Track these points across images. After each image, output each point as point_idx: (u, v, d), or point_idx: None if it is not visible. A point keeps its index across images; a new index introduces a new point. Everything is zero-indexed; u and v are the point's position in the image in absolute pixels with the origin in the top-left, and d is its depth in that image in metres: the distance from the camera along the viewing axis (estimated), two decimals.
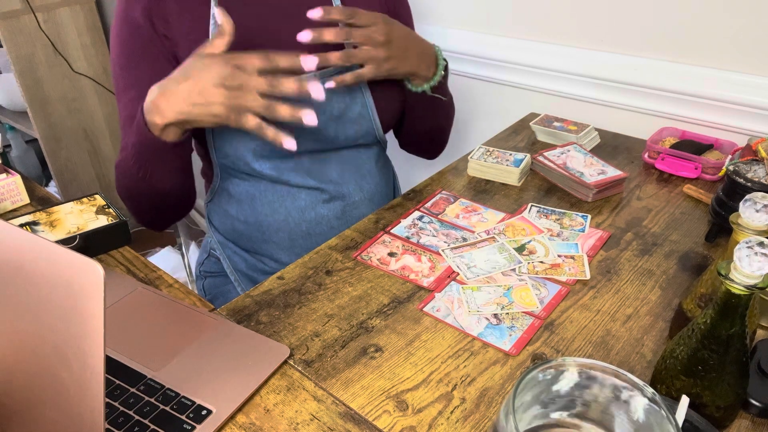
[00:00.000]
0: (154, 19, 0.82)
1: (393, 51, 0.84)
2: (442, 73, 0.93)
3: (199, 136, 0.90)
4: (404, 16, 1.01)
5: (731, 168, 0.79)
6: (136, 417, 0.57)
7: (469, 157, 1.02)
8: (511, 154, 1.01)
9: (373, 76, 0.84)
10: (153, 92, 0.74)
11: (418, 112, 1.00)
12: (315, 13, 0.77)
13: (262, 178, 0.91)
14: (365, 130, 0.93)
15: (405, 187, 1.16)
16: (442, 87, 0.95)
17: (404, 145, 1.12)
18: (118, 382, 0.61)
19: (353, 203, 0.96)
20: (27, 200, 0.95)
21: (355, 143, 0.94)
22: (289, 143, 0.73)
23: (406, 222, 0.89)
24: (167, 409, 0.57)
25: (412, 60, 0.88)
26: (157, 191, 0.84)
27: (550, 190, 0.97)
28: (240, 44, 0.82)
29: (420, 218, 0.89)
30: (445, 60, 0.94)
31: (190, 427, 0.55)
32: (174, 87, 0.72)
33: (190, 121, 0.74)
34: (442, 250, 0.81)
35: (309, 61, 0.72)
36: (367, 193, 0.97)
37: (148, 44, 0.83)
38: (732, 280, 0.48)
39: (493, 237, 0.84)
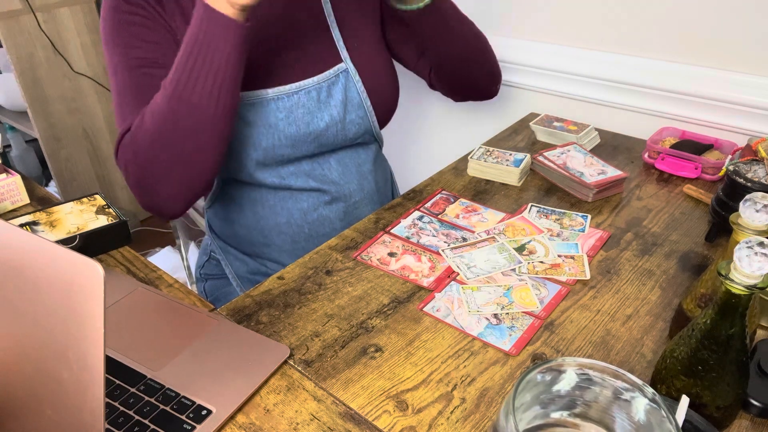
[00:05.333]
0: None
1: None
2: None
3: None
4: None
5: (731, 168, 0.79)
6: (136, 417, 0.57)
7: (469, 157, 1.02)
8: (511, 154, 1.01)
9: None
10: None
11: (434, 38, 0.90)
12: None
13: (264, 185, 0.91)
14: (364, 129, 0.94)
15: (405, 187, 1.16)
16: (441, 7, 0.87)
17: (448, 84, 1.00)
18: (118, 382, 0.61)
19: (354, 203, 0.96)
20: (27, 200, 0.95)
21: (354, 143, 0.95)
22: None
23: (406, 222, 0.88)
24: (167, 409, 0.57)
25: None
26: (194, 124, 0.72)
27: (550, 190, 0.97)
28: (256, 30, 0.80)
29: (420, 218, 0.89)
30: None
31: (190, 427, 0.55)
32: None
33: None
34: (442, 250, 0.81)
35: None
36: (367, 192, 0.98)
37: (148, 19, 0.79)
38: (732, 280, 0.48)
39: (493, 237, 0.84)
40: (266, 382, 0.62)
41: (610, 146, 1.11)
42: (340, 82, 0.89)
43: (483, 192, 0.97)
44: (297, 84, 0.86)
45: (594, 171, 0.96)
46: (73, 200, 0.88)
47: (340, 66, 0.90)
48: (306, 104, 0.87)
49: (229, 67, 0.72)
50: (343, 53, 0.90)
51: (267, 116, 0.84)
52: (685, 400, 0.49)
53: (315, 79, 0.87)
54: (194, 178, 0.77)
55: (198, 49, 0.70)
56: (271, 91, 0.85)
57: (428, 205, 0.93)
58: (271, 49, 0.86)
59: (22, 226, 0.82)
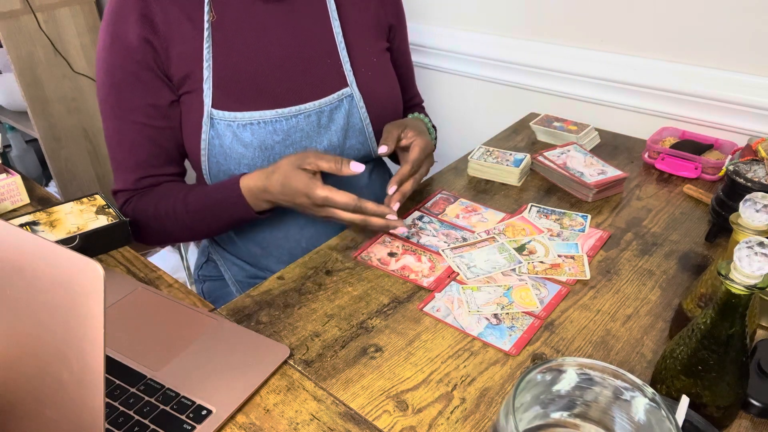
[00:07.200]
0: (148, 36, 0.79)
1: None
2: (434, 140, 1.03)
3: (194, 160, 0.88)
4: (401, 18, 1.01)
5: (731, 168, 0.79)
6: (136, 417, 0.57)
7: (469, 157, 1.02)
8: (511, 154, 1.01)
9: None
10: (253, 195, 0.80)
11: None
12: (382, 150, 0.82)
13: None
14: (363, 155, 0.93)
15: None
16: None
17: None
18: (118, 382, 0.61)
19: None
20: (27, 200, 0.95)
21: None
22: (356, 167, 0.75)
23: (406, 222, 0.88)
24: (167, 409, 0.57)
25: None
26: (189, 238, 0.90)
27: (550, 190, 0.97)
28: (235, 68, 0.82)
29: (420, 218, 0.89)
30: (434, 128, 1.03)
31: (190, 427, 0.55)
32: (272, 197, 0.79)
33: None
34: (442, 250, 0.81)
35: (399, 229, 0.78)
36: None
37: (142, 69, 0.81)
38: (732, 280, 0.48)
39: (493, 237, 0.84)
40: (266, 382, 0.62)
41: (610, 146, 1.11)
42: (343, 108, 0.88)
43: (483, 192, 0.97)
44: (297, 107, 0.84)
45: (594, 171, 0.96)
46: (73, 200, 0.88)
47: (345, 90, 0.88)
48: (305, 128, 0.85)
49: (228, 227, 0.88)
50: (350, 77, 0.88)
51: (264, 138, 0.83)
52: (685, 400, 0.49)
53: (316, 103, 0.85)
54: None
55: (212, 211, 0.84)
56: (269, 113, 0.83)
57: (428, 205, 0.93)
58: (274, 70, 0.84)
59: (22, 226, 0.82)
